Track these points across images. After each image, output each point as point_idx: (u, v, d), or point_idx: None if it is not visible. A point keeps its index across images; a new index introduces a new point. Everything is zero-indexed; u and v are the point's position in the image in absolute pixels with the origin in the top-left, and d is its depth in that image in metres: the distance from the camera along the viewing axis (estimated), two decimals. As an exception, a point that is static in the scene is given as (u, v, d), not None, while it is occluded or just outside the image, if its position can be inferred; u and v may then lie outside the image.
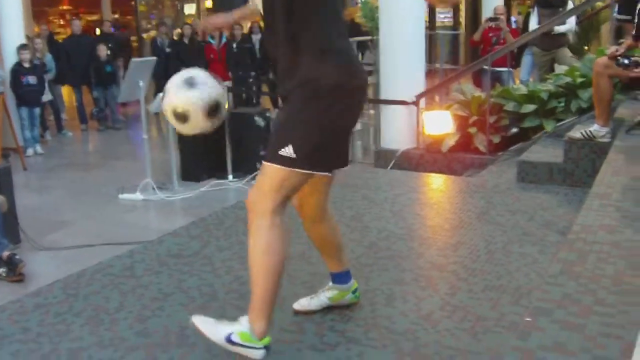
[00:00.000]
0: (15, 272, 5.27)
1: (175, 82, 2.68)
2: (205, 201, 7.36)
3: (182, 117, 2.66)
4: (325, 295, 3.11)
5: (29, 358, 2.84)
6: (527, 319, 1.97)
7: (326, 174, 2.64)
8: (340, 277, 3.09)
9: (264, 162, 2.57)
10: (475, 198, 5.05)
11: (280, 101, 2.80)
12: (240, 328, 2.60)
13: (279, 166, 2.51)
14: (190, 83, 2.64)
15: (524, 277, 3.47)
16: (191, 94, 2.63)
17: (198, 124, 2.69)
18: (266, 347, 2.60)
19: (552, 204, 4.77)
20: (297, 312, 3.11)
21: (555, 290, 2.18)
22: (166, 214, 7.20)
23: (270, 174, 2.54)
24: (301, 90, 2.53)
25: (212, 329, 2.65)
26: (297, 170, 2.51)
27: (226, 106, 2.73)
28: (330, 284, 3.11)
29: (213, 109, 2.66)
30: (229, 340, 2.58)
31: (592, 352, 1.80)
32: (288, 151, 2.48)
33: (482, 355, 2.70)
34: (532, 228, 4.25)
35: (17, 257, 5.34)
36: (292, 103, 2.57)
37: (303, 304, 3.13)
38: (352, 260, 3.60)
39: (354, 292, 3.13)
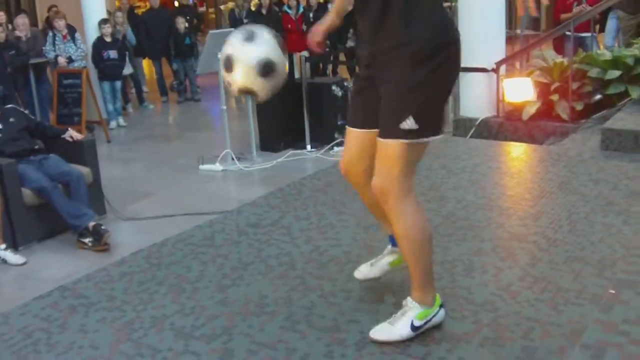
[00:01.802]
0: (100, 241, 5.43)
1: (235, 33, 2.62)
2: (283, 171, 7.41)
3: (230, 66, 2.56)
4: (385, 261, 2.99)
5: (114, 325, 2.93)
6: (611, 291, 1.92)
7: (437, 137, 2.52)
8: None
9: (382, 140, 2.46)
10: (557, 167, 4.93)
11: (363, 64, 2.71)
12: (414, 312, 2.62)
13: (402, 141, 2.41)
14: (249, 37, 2.56)
15: (608, 249, 3.37)
16: (248, 47, 2.55)
17: (248, 79, 2.57)
18: (441, 306, 2.70)
19: (637, 173, 4.62)
20: (359, 280, 3.05)
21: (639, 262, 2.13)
22: (245, 184, 7.28)
23: (395, 151, 2.43)
24: (402, 54, 2.42)
25: (390, 332, 2.64)
26: (422, 140, 2.44)
27: (283, 70, 2.63)
28: (390, 247, 2.98)
29: (265, 69, 2.55)
30: (415, 328, 2.62)
31: (679, 326, 1.75)
32: (409, 123, 2.39)
33: (562, 327, 2.64)
34: (616, 198, 4.13)
35: (102, 227, 5.50)
36: (396, 70, 2.44)
37: (363, 271, 3.04)
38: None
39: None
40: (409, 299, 2.66)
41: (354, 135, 2.72)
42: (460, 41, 2.54)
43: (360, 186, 2.80)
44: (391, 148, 2.44)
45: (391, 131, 2.42)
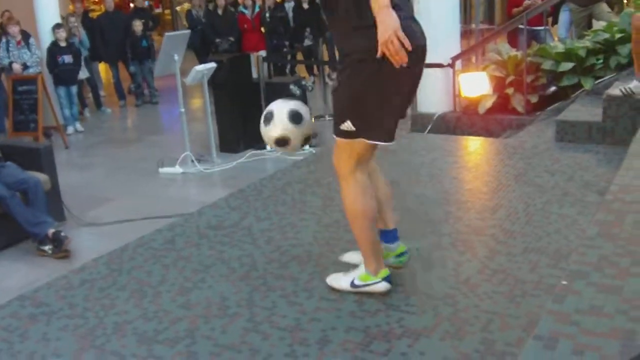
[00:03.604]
0: (61, 248, 5.38)
1: (282, 115, 2.97)
2: (243, 172, 7.41)
3: (284, 143, 3.01)
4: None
5: (76, 332, 2.92)
6: (563, 283, 1.96)
7: (388, 144, 2.79)
8: (385, 235, 3.09)
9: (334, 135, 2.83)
10: (514, 159, 5.01)
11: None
12: (358, 272, 3.01)
13: (343, 139, 2.78)
14: (297, 117, 2.97)
15: (564, 239, 3.44)
16: (296, 128, 2.97)
17: (295, 147, 3.06)
18: (385, 279, 2.96)
19: (591, 164, 4.71)
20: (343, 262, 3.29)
21: (592, 252, 2.17)
22: (205, 186, 7.26)
23: (340, 145, 2.83)
24: (347, 63, 2.70)
25: (337, 279, 3.08)
26: (359, 140, 2.75)
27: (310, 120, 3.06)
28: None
29: (308, 137, 3.04)
30: (353, 285, 3.01)
31: (629, 314, 1.79)
32: (347, 125, 2.73)
33: (520, 319, 2.70)
34: (571, 188, 4.21)
35: (62, 234, 5.45)
36: (342, 77, 2.74)
37: (349, 256, 3.31)
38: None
39: (398, 256, 3.11)
40: (362, 263, 3.01)
41: None
42: (421, 46, 2.68)
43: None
44: (338, 142, 2.84)
45: (336, 130, 2.81)
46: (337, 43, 2.82)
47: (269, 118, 2.99)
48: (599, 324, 1.76)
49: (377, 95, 2.66)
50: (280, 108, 3.00)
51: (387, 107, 2.71)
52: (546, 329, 1.74)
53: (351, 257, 3.28)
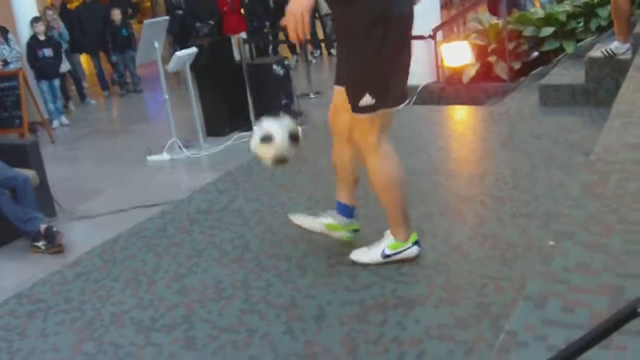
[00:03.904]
0: (54, 243, 5.37)
1: (283, 135, 3.02)
2: (231, 155, 7.38)
3: (282, 161, 3.07)
4: (321, 220, 3.20)
5: (74, 326, 2.93)
6: (551, 243, 1.99)
7: (402, 105, 2.90)
8: (344, 209, 3.16)
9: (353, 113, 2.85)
10: (499, 126, 5.03)
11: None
12: (388, 242, 3.03)
13: (364, 115, 2.80)
14: (294, 138, 3.03)
15: (552, 202, 3.47)
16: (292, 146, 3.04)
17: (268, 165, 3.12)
18: (416, 243, 3.02)
19: (576, 126, 4.74)
20: (290, 224, 3.30)
21: (577, 212, 2.19)
22: (194, 171, 7.25)
23: (360, 121, 2.85)
24: (351, 39, 2.78)
25: (366, 254, 3.08)
26: (380, 112, 2.80)
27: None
28: (332, 211, 3.20)
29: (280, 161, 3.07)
30: (385, 256, 3.03)
31: (615, 270, 1.82)
32: (366, 99, 2.76)
33: (513, 282, 2.73)
34: (557, 151, 4.24)
35: (54, 229, 5.43)
36: (350, 54, 2.83)
37: (300, 218, 3.29)
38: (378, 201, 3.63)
39: (351, 231, 3.20)
40: (387, 231, 3.04)
41: (335, 91, 3.03)
42: (408, 13, 2.80)
43: (340, 137, 3.08)
44: (357, 118, 2.85)
45: (355, 107, 2.82)
46: (337, 21, 2.92)
47: (268, 139, 3.04)
48: (587, 281, 1.79)
49: (387, 62, 2.74)
50: (278, 130, 3.05)
51: (396, 71, 2.80)
52: (535, 289, 1.77)
53: (303, 220, 3.28)
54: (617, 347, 1.44)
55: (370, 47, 2.70)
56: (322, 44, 13.48)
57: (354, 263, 3.07)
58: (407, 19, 2.81)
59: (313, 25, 13.14)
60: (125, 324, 2.88)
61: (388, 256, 3.02)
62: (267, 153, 3.04)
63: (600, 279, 1.79)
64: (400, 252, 3.01)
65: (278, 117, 3.16)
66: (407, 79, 2.89)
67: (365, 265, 3.03)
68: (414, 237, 3.03)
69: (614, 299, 1.69)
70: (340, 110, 2.98)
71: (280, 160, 3.05)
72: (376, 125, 2.84)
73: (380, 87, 2.77)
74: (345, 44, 2.88)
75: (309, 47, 10.98)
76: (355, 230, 3.21)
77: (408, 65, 2.88)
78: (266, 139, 3.03)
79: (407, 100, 2.92)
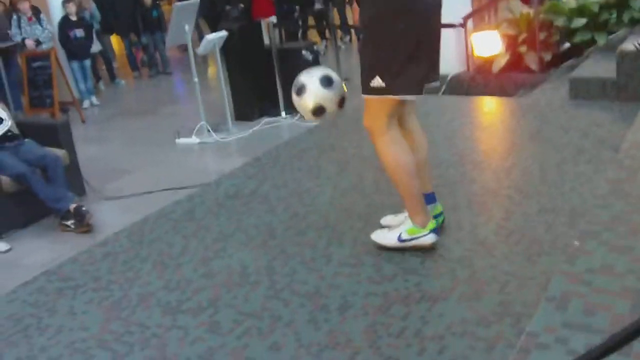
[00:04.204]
0: (83, 223, 5.45)
1: (314, 83, 3.01)
2: (259, 140, 7.43)
3: (321, 110, 3.04)
4: (405, 214, 3.18)
5: (101, 305, 2.99)
6: (575, 243, 1.99)
7: (415, 95, 2.89)
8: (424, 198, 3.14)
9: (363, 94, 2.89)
10: (528, 118, 5.01)
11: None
12: (405, 227, 3.06)
13: (373, 96, 2.85)
14: (328, 82, 3.01)
15: (578, 198, 3.46)
16: (329, 92, 3.00)
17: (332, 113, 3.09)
18: (433, 230, 3.04)
19: (605, 120, 4.71)
20: (382, 226, 3.29)
21: (603, 212, 2.20)
22: (222, 155, 7.31)
23: (370, 103, 2.91)
24: (369, 22, 2.87)
25: (384, 237, 3.13)
26: (389, 96, 2.83)
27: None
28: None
29: (342, 100, 3.06)
30: (401, 240, 3.06)
31: (639, 273, 1.82)
32: (377, 81, 2.80)
33: (536, 279, 2.73)
34: (586, 146, 4.21)
35: (83, 208, 5.52)
36: (366, 35, 2.93)
37: (387, 219, 3.33)
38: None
39: (435, 216, 3.17)
40: (406, 214, 3.07)
41: None
42: (433, 3, 2.87)
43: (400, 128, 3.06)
44: (368, 99, 2.91)
45: (365, 88, 2.87)
46: (361, 4, 2.97)
47: (302, 89, 3.03)
48: (610, 283, 1.79)
49: (402, 49, 2.77)
50: (310, 77, 3.04)
51: (411, 59, 2.79)
52: (558, 289, 1.78)
53: (391, 220, 3.31)
54: (636, 355, 1.45)
55: (388, 33, 2.77)
56: (352, 30, 13.44)
57: (379, 253, 3.09)
58: (431, 10, 2.86)
59: (343, 11, 13.11)
60: (152, 305, 2.93)
61: (404, 241, 3.05)
62: (304, 105, 3.04)
63: (624, 282, 1.80)
64: (416, 239, 3.04)
65: (313, 67, 3.18)
66: (427, 69, 2.87)
67: (389, 257, 3.05)
68: (432, 224, 3.04)
69: (637, 303, 1.69)
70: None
71: (318, 110, 3.02)
72: (386, 109, 2.88)
73: (392, 71, 2.80)
74: (365, 29, 2.93)
75: (339, 33, 10.94)
76: (439, 215, 3.23)
77: (430, 56, 2.88)
78: (300, 90, 3.03)
79: (420, 94, 2.89)
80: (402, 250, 3.07)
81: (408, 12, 2.76)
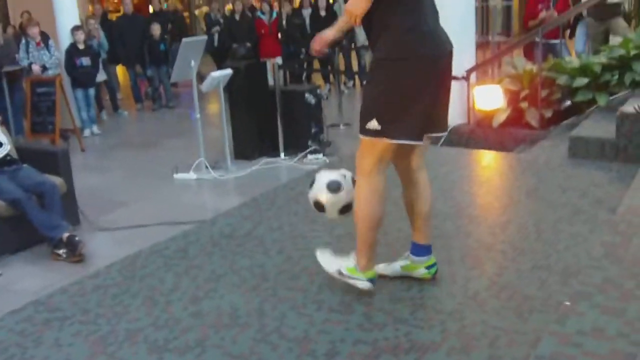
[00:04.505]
0: (75, 252, 5.43)
1: (323, 183, 3.20)
2: (257, 180, 7.44)
3: (320, 209, 3.23)
4: (398, 264, 3.27)
5: (88, 339, 2.97)
6: (566, 303, 1.99)
7: (411, 142, 2.90)
8: (417, 249, 3.21)
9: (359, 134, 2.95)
10: (526, 175, 5.03)
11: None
12: (348, 263, 3.10)
13: (367, 137, 2.89)
14: (335, 188, 3.16)
15: (573, 257, 3.46)
16: (334, 197, 3.17)
17: (332, 216, 3.26)
18: (370, 280, 3.06)
19: (603, 181, 4.73)
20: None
21: (597, 273, 2.20)
22: (219, 193, 7.31)
23: (364, 143, 2.93)
24: (374, 65, 2.91)
25: (328, 261, 3.19)
26: (383, 139, 2.86)
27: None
28: (407, 253, 3.26)
29: (346, 209, 3.17)
30: (339, 272, 3.11)
31: (630, 337, 1.82)
32: (373, 124, 2.84)
33: (527, 335, 2.72)
34: (583, 206, 4.22)
35: (76, 238, 5.50)
36: (370, 77, 2.98)
37: (380, 267, 3.28)
38: (400, 240, 3.65)
39: (428, 267, 3.21)
40: (354, 253, 3.11)
41: None
42: (442, 56, 2.89)
43: (405, 179, 3.16)
44: (362, 140, 2.94)
45: (361, 128, 2.91)
46: (370, 46, 2.99)
47: (312, 183, 3.25)
48: (600, 347, 1.79)
49: (400, 95, 2.82)
50: (321, 176, 3.23)
51: (410, 107, 2.82)
52: (547, 349, 1.77)
53: (383, 268, 3.31)
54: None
55: (391, 78, 2.82)
56: (356, 76, 13.53)
57: (370, 302, 3.08)
58: (439, 60, 2.87)
59: (348, 56, 13.22)
60: (139, 342, 2.91)
61: (341, 274, 3.10)
62: (335, 202, 3.16)
63: (614, 345, 1.79)
64: (353, 279, 3.08)
65: (334, 169, 3.31)
66: (426, 118, 2.88)
67: (380, 306, 3.04)
68: (371, 273, 3.07)
69: (627, 368, 1.69)
70: (396, 157, 3.05)
71: (347, 208, 3.15)
72: (377, 152, 2.90)
73: (389, 115, 2.83)
74: (371, 71, 2.98)
75: (343, 78, 11.02)
76: (432, 265, 3.24)
77: (432, 105, 2.89)
78: (334, 187, 3.16)
79: (419, 141, 2.92)
80: (394, 300, 3.08)
81: (414, 59, 2.79)
